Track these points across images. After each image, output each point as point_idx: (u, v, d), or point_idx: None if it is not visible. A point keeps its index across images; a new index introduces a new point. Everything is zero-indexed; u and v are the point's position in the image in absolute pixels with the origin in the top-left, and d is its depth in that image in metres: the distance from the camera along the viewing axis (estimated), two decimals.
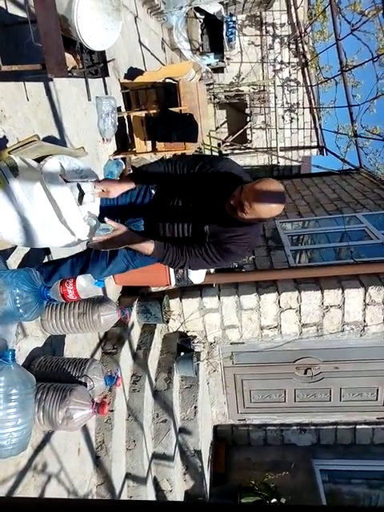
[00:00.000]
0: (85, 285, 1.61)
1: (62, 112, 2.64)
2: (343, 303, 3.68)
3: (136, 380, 3.17)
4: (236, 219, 1.55)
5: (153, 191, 1.78)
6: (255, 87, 8.40)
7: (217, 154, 8.55)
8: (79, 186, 1.46)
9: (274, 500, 3.43)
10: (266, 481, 3.75)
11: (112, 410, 2.76)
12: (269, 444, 4.44)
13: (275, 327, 3.82)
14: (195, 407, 3.59)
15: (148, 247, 1.61)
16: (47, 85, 2.42)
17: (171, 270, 3.37)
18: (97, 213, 1.53)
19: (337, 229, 4.78)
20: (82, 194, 1.49)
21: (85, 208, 1.47)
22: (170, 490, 3.19)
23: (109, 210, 1.76)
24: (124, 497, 2.83)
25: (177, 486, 3.24)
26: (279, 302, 3.72)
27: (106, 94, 2.83)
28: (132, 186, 1.68)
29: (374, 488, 4.36)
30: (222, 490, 3.74)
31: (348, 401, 4.17)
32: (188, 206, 1.66)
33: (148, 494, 2.94)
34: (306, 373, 4.06)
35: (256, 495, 3.50)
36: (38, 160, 1.37)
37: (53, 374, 2.10)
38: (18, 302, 1.57)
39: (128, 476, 2.90)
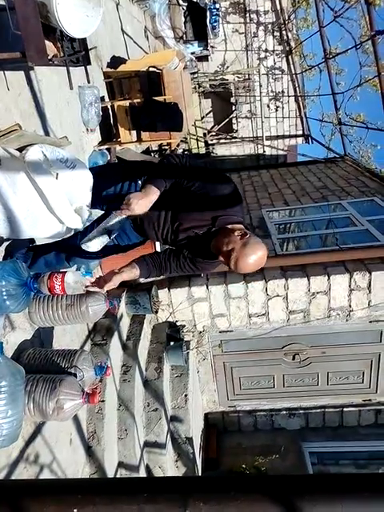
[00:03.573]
0: (73, 283, 1.61)
1: (43, 102, 2.59)
2: (329, 289, 3.75)
3: (126, 370, 3.19)
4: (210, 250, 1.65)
5: (140, 182, 1.76)
6: (240, 76, 8.37)
7: (203, 143, 8.53)
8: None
9: None
10: (257, 464, 3.84)
11: (103, 400, 2.77)
12: (259, 429, 4.53)
13: (263, 315, 3.87)
14: (185, 395, 3.64)
15: (135, 273, 1.75)
16: (28, 74, 2.38)
17: None
18: (88, 198, 1.53)
19: (322, 216, 4.84)
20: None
21: (76, 198, 1.47)
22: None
23: (95, 198, 1.75)
24: None
25: (169, 473, 3.29)
26: (266, 290, 3.76)
27: (89, 83, 2.79)
28: (157, 193, 1.59)
29: (361, 468, 4.49)
30: (214, 475, 3.81)
31: (335, 384, 4.27)
32: (175, 199, 1.66)
33: None
34: (294, 358, 4.14)
35: None
36: (20, 150, 1.35)
37: (42, 366, 2.10)
38: (4, 293, 1.57)
39: (120, 465, 2.93)
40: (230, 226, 1.57)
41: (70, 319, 2.22)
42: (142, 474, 3.06)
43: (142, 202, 1.49)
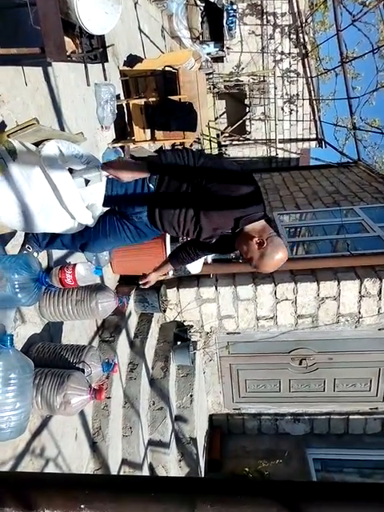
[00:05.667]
0: (84, 273, 1.62)
1: (60, 98, 2.61)
2: (339, 295, 3.71)
3: (133, 368, 3.20)
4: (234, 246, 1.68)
5: (151, 185, 1.72)
6: (255, 77, 8.34)
7: (216, 144, 8.51)
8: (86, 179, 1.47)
9: None
10: (260, 468, 3.82)
11: (109, 397, 2.78)
12: (263, 433, 4.50)
13: (271, 318, 3.85)
14: (191, 396, 3.63)
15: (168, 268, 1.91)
16: (46, 70, 2.40)
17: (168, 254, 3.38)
18: (101, 198, 1.53)
19: (334, 221, 4.80)
20: (87, 181, 1.50)
21: (89, 193, 1.47)
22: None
23: (105, 199, 1.75)
24: None
25: (172, 473, 3.29)
26: (275, 293, 3.74)
27: (105, 80, 2.80)
28: (146, 175, 1.61)
29: (366, 477, 4.44)
30: (216, 477, 3.79)
31: (342, 391, 4.23)
32: (196, 200, 1.63)
33: None
34: (300, 363, 4.10)
35: None
36: (37, 144, 1.36)
37: (51, 360, 2.11)
38: (16, 286, 1.58)
39: (124, 462, 2.94)
40: (250, 229, 1.55)
41: (80, 315, 2.23)
42: (146, 472, 3.06)
43: (128, 171, 1.52)
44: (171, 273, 3.48)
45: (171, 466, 3.27)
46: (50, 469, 2.25)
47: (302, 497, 0.61)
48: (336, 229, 4.81)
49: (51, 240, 1.92)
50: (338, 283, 3.67)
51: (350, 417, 4.37)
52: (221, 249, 1.84)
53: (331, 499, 0.62)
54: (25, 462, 2.04)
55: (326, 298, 3.73)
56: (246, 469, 3.78)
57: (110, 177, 1.56)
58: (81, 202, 1.44)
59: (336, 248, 4.53)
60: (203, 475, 3.70)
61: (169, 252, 3.29)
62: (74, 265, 1.65)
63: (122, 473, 2.91)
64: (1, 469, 1.86)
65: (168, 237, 3.17)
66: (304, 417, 4.43)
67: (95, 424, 2.75)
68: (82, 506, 0.60)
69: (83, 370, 2.09)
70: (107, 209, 1.85)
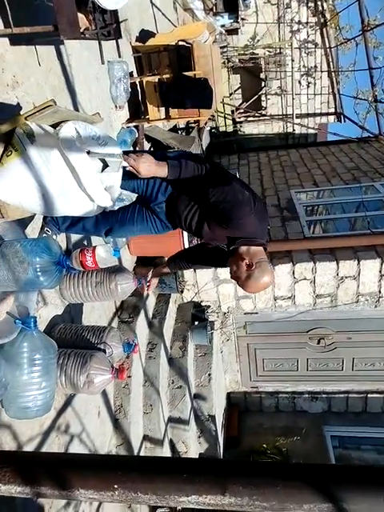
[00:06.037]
0: (104, 255, 1.63)
1: (73, 77, 2.57)
2: (359, 274, 3.65)
3: (152, 348, 3.25)
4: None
5: (170, 186, 1.73)
6: (271, 50, 8.04)
7: (230, 121, 8.32)
8: (104, 161, 1.44)
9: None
10: (278, 445, 3.88)
11: (129, 376, 2.84)
12: (281, 410, 4.55)
13: (289, 298, 3.83)
14: (209, 374, 3.68)
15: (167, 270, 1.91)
16: (58, 48, 2.35)
17: (186, 240, 3.37)
18: (119, 180, 1.51)
19: (353, 199, 4.67)
20: (105, 166, 1.47)
21: (106, 174, 1.45)
22: (185, 452, 3.33)
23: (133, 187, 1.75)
24: None
25: (192, 448, 3.37)
26: (294, 273, 3.70)
27: (119, 57, 2.73)
28: (163, 176, 1.59)
29: (383, 454, 4.47)
30: (235, 453, 3.88)
31: (360, 370, 4.21)
32: (202, 214, 1.68)
33: (164, 454, 3.06)
34: (319, 343, 4.10)
35: (268, 458, 3.63)
36: (54, 126, 1.34)
37: (73, 341, 2.16)
38: (38, 270, 1.59)
39: (145, 438, 3.02)
40: (244, 250, 1.59)
41: (100, 296, 2.26)
42: (166, 447, 3.15)
43: (148, 167, 1.50)
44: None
45: (191, 442, 3.35)
46: (75, 445, 2.33)
47: (334, 480, 0.60)
48: (355, 206, 4.69)
49: (72, 224, 1.92)
50: (358, 262, 3.60)
51: (369, 395, 4.37)
52: (215, 262, 1.97)
53: (364, 483, 0.62)
54: (51, 439, 2.12)
55: (346, 277, 3.68)
56: (264, 445, 3.85)
57: (128, 168, 1.55)
58: (99, 184, 1.43)
59: (354, 226, 4.44)
60: (222, 451, 3.78)
61: (186, 236, 3.28)
62: (94, 247, 1.66)
63: (143, 448, 3.00)
64: (29, 445, 1.93)
65: None
66: (322, 395, 4.45)
67: (117, 402, 2.82)
68: (116, 486, 0.61)
69: (105, 351, 2.13)
70: (135, 195, 1.86)
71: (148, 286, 2.12)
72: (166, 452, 3.11)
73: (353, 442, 4.44)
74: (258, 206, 1.57)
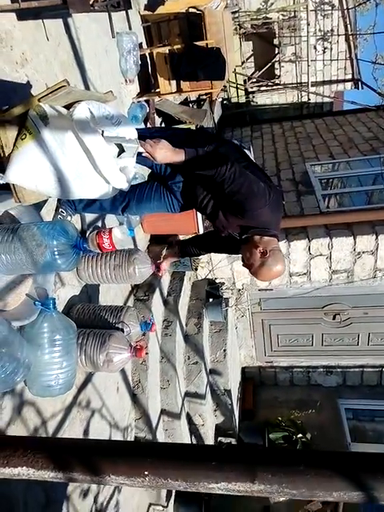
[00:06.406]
0: (120, 236, 1.62)
1: (82, 52, 2.49)
2: (376, 249, 3.59)
3: (168, 325, 3.28)
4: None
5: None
6: (285, 13, 7.64)
7: (242, 92, 8.05)
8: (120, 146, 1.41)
9: (299, 435, 3.63)
10: (293, 417, 3.95)
11: (147, 353, 2.89)
12: (295, 384, 4.62)
13: (304, 274, 3.80)
14: (224, 350, 3.73)
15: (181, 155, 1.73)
16: (66, 22, 2.26)
17: (199, 218, 3.34)
18: (134, 160, 1.48)
19: (372, 171, 4.53)
20: (121, 151, 1.44)
21: (122, 160, 1.42)
22: (202, 424, 3.42)
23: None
24: (160, 430, 3.06)
25: (208, 421, 3.47)
26: (309, 249, 3.66)
27: (130, 29, 2.62)
28: (181, 159, 1.56)
29: None
30: (250, 425, 3.98)
31: (376, 345, 4.21)
32: (217, 202, 1.68)
33: (182, 427, 3.16)
34: (334, 318, 4.09)
35: (283, 431, 3.71)
36: (66, 107, 1.30)
37: (91, 321, 2.19)
38: (55, 253, 1.59)
39: (163, 411, 3.11)
40: (258, 238, 1.58)
41: (118, 279, 2.26)
42: (183, 421, 3.24)
43: (165, 154, 1.50)
44: (202, 231, 3.45)
45: (207, 415, 3.43)
46: (96, 419, 2.41)
47: (364, 468, 0.60)
48: (372, 179, 4.56)
49: (88, 204, 1.92)
50: (376, 237, 3.53)
51: None
52: (227, 249, 1.97)
53: None
54: (73, 414, 2.19)
55: (363, 252, 3.62)
56: (279, 418, 3.92)
57: (144, 154, 1.52)
58: (115, 166, 1.40)
59: (371, 199, 4.33)
60: (238, 424, 3.88)
61: (199, 214, 3.24)
62: (110, 229, 1.65)
63: (161, 422, 3.09)
64: (52, 420, 2.00)
65: None
66: (336, 369, 4.48)
67: (135, 378, 2.89)
68: (146, 473, 0.62)
69: (123, 330, 2.16)
70: (147, 173, 1.84)
71: (159, 271, 2.16)
72: (183, 424, 3.20)
73: (367, 415, 4.50)
74: (272, 196, 1.56)
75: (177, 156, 1.52)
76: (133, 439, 2.88)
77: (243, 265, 1.65)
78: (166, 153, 1.50)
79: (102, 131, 1.39)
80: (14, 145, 1.23)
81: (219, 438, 3.77)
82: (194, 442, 3.45)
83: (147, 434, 2.88)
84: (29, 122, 1.21)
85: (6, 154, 1.22)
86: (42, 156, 1.25)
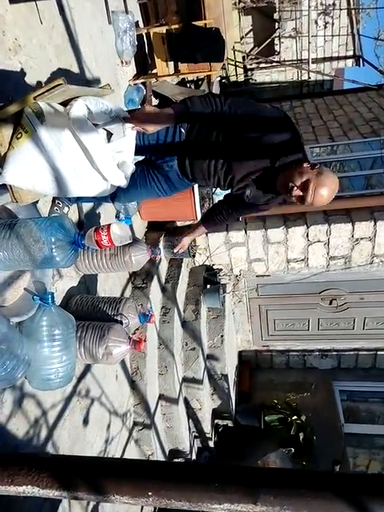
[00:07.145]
0: (119, 232, 1.60)
1: (77, 33, 2.39)
2: (374, 235, 3.58)
3: (165, 312, 3.30)
4: (274, 186, 1.59)
5: (183, 130, 1.66)
6: None
7: (241, 69, 7.84)
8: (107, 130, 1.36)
9: (295, 417, 3.72)
10: (288, 400, 4.04)
11: (145, 340, 2.92)
12: (291, 367, 4.70)
13: (302, 260, 3.80)
14: (222, 336, 3.76)
15: (203, 231, 1.91)
16: (60, 2, 2.16)
17: (197, 204, 3.30)
18: (132, 153, 1.45)
19: (372, 154, 4.47)
20: (109, 135, 1.40)
21: (117, 151, 1.39)
22: (200, 408, 3.49)
23: (137, 149, 1.67)
24: (158, 415, 3.12)
25: (205, 405, 3.54)
26: (307, 235, 3.65)
27: (126, 8, 2.51)
28: (171, 124, 1.53)
29: None
30: (246, 408, 4.07)
31: (371, 329, 4.27)
32: (227, 148, 1.58)
33: (180, 411, 3.22)
34: (330, 303, 4.12)
35: (278, 413, 3.80)
36: (64, 104, 1.26)
37: (89, 313, 2.19)
38: (54, 249, 1.57)
39: (161, 397, 3.16)
40: (300, 156, 1.53)
41: (114, 268, 2.26)
42: (181, 405, 3.30)
43: (152, 116, 1.45)
44: (199, 217, 3.43)
45: (204, 399, 3.50)
46: (95, 407, 2.45)
47: (365, 491, 0.61)
48: (371, 162, 4.50)
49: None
50: (375, 223, 3.52)
51: (379, 352, 4.46)
52: (248, 209, 1.83)
53: None
54: (73, 403, 2.22)
55: (361, 238, 3.62)
56: (275, 400, 4.01)
57: (134, 129, 1.47)
58: (112, 162, 1.37)
59: (370, 183, 4.29)
60: (234, 407, 3.96)
61: (197, 199, 3.20)
62: (109, 225, 1.62)
63: (159, 407, 3.15)
64: (52, 411, 2.03)
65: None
66: (332, 352, 4.55)
67: (133, 365, 2.92)
68: (150, 493, 0.63)
69: (121, 322, 2.17)
70: (140, 158, 1.79)
71: (180, 247, 2.07)
72: (181, 409, 3.27)
73: (361, 396, 4.61)
74: (288, 122, 1.54)
75: (167, 118, 1.47)
76: (132, 424, 2.95)
77: (291, 195, 1.50)
78: (153, 111, 1.46)
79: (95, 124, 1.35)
80: (10, 144, 1.19)
81: (216, 421, 3.87)
82: (192, 425, 3.53)
83: (145, 419, 2.95)
84: (24, 120, 1.17)
85: (2, 154, 1.18)
86: (38, 155, 1.21)
